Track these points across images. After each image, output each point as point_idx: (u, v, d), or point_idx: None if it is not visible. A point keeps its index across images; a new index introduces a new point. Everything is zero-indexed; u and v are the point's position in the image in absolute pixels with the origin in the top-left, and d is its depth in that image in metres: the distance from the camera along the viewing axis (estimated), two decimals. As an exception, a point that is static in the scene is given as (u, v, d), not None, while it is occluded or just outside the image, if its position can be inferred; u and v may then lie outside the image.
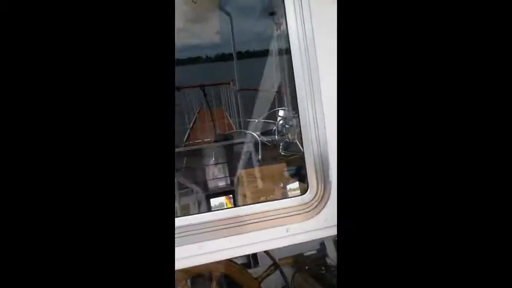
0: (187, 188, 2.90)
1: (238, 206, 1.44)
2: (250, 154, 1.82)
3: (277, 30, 2.81)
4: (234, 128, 3.44)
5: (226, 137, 2.35)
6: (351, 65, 0.44)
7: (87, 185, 0.40)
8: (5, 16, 0.38)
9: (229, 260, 1.04)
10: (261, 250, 0.81)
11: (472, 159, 0.39)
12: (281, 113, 2.66)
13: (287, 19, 0.70)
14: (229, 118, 3.90)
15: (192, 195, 3.97)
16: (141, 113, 0.42)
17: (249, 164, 1.80)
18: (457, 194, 0.39)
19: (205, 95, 3.22)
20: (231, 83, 3.55)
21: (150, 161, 0.42)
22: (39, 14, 0.40)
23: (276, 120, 2.55)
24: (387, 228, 0.41)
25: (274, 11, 2.75)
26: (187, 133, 3.84)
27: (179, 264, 0.65)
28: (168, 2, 0.44)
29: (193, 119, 4.25)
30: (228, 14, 2.66)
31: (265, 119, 2.46)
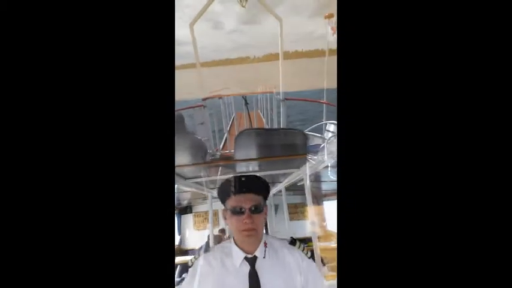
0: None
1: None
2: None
3: (333, 34, 2.57)
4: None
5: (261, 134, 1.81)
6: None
7: (85, 187, 0.41)
8: (5, 16, 0.39)
9: None
10: None
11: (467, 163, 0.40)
12: (331, 127, 2.28)
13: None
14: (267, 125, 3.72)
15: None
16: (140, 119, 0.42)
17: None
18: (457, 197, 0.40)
19: (246, 103, 3.04)
20: (274, 91, 3.33)
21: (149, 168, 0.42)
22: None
23: (323, 135, 2.25)
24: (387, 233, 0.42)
25: (331, 13, 2.51)
26: (224, 138, 3.75)
27: None
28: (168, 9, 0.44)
29: (230, 123, 4.17)
30: (278, 17, 2.48)
31: (310, 132, 2.18)
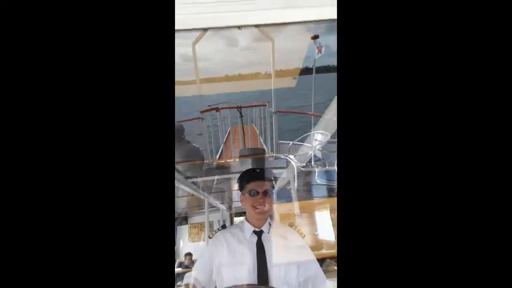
0: (215, 207, 2.86)
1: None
2: (287, 183, 1.71)
3: (318, 53, 2.81)
4: (266, 150, 3.37)
5: (255, 153, 2.20)
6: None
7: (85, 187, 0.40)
8: (5, 15, 0.38)
9: None
10: None
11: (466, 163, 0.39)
12: (318, 136, 2.49)
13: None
14: (261, 139, 3.88)
15: (217, 212, 3.93)
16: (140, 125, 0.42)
17: (282, 193, 1.70)
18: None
19: (241, 116, 3.24)
20: (267, 104, 3.53)
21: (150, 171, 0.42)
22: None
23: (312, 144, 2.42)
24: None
25: (316, 34, 2.77)
26: (220, 149, 3.89)
27: None
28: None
29: (226, 136, 4.32)
30: (270, 38, 2.71)
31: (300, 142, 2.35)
